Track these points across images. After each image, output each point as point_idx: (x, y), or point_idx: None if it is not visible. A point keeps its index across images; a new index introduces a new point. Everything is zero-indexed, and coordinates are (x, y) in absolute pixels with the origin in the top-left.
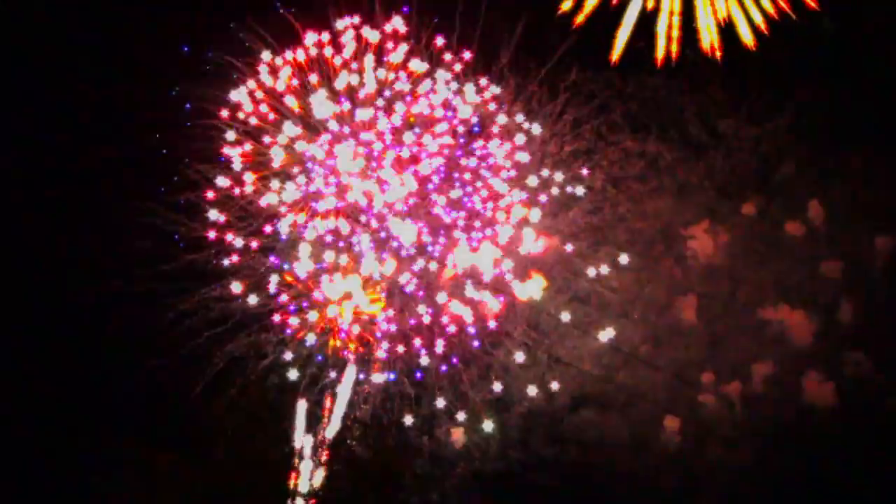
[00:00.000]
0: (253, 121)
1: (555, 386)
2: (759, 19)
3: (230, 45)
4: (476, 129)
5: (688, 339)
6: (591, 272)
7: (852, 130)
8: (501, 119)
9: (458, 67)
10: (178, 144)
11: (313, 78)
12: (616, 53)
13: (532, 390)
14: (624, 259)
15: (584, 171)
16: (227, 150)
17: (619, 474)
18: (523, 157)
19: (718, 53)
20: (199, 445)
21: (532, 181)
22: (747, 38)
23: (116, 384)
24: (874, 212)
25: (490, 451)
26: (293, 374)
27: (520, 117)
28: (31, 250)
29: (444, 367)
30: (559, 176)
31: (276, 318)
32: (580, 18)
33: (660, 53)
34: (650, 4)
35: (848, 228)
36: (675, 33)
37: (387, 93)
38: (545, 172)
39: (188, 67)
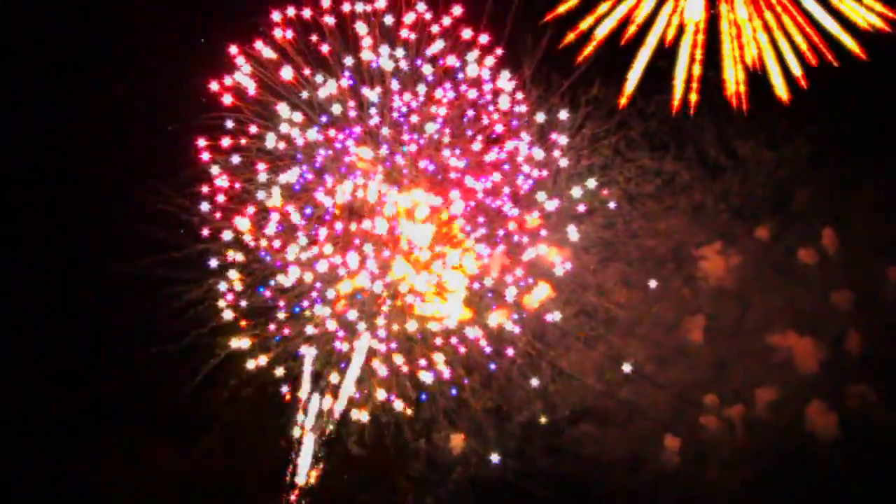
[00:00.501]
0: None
1: (556, 397)
2: (797, 71)
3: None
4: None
5: (693, 359)
6: (599, 286)
7: (870, 161)
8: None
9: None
10: (191, 132)
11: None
12: (625, 97)
13: (533, 400)
14: (634, 275)
15: (595, 186)
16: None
17: (616, 490)
18: (540, 154)
19: (745, 105)
20: (195, 435)
21: (546, 192)
22: (781, 90)
23: (116, 371)
24: (888, 243)
25: (487, 459)
26: (295, 370)
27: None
28: (36, 233)
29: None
30: (576, 190)
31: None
32: (588, 50)
33: (676, 100)
34: (669, 36)
35: (861, 259)
36: (695, 84)
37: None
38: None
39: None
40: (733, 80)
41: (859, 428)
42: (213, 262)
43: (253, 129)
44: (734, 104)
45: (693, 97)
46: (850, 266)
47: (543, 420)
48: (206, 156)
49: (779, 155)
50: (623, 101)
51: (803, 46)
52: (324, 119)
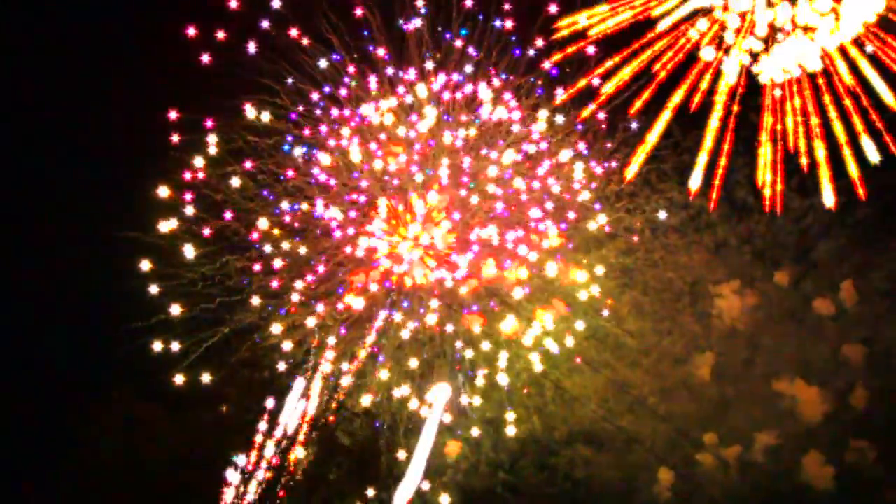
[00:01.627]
0: None
1: (556, 417)
2: (855, 173)
3: None
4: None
5: (697, 395)
6: (613, 312)
7: None
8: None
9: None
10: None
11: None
12: (631, 174)
13: (532, 417)
14: (648, 305)
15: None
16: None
17: None
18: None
19: (779, 209)
20: (184, 404)
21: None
22: (829, 199)
23: (115, 335)
24: None
25: (479, 468)
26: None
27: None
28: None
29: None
30: (601, 217)
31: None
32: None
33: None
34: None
35: (877, 317)
36: (718, 181)
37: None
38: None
39: None
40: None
41: (854, 484)
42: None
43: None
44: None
45: (714, 195)
46: (865, 322)
47: (540, 436)
48: None
49: (808, 203)
50: (628, 177)
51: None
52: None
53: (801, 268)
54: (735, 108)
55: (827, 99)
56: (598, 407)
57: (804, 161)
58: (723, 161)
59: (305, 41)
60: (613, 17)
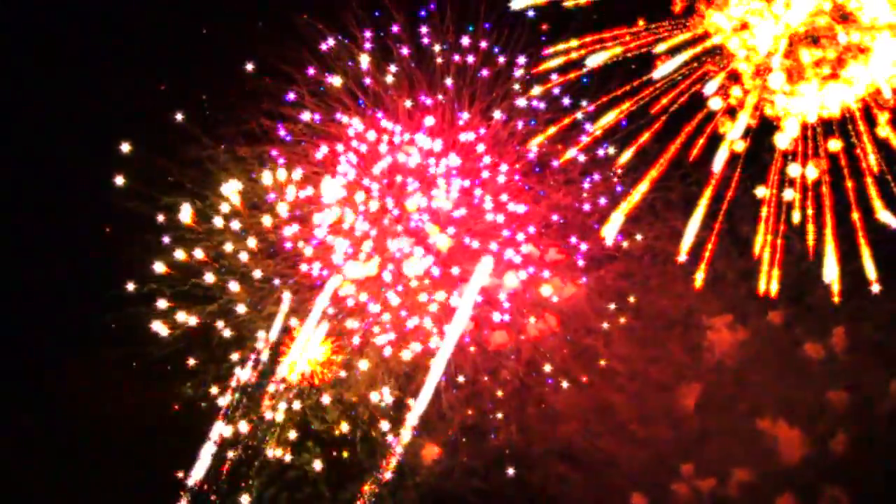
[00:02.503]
0: None
1: (535, 431)
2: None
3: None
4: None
5: (679, 425)
6: (605, 334)
7: None
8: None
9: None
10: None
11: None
12: (609, 238)
13: (512, 427)
14: (640, 330)
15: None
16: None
17: None
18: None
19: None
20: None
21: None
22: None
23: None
24: None
25: (454, 473)
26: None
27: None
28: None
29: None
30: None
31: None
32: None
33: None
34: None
35: (866, 366)
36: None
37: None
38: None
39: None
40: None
41: None
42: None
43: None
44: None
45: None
46: (853, 370)
47: (518, 449)
48: None
49: (808, 246)
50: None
51: None
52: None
53: (796, 310)
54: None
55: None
56: (578, 426)
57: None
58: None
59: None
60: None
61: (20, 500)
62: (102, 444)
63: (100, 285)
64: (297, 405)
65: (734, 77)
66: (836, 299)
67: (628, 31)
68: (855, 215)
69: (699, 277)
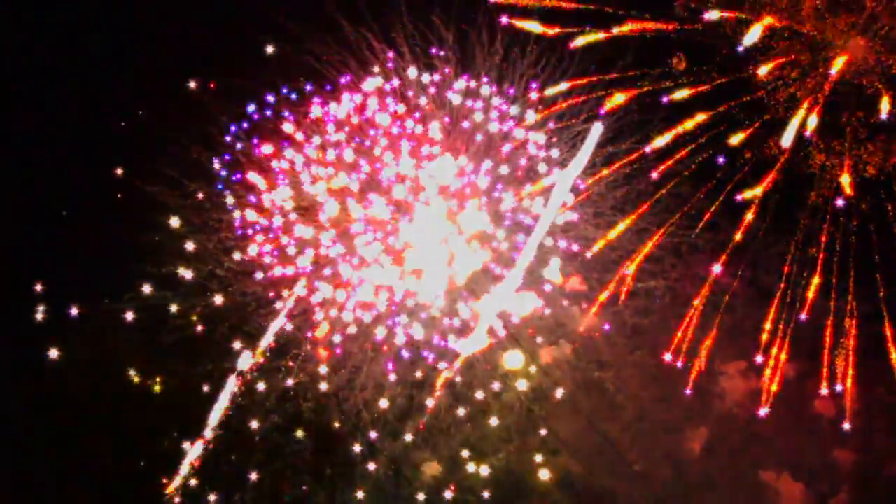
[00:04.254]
0: None
1: (536, 457)
2: None
3: None
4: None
5: (682, 468)
6: (617, 372)
7: None
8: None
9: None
10: None
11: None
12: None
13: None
14: (653, 369)
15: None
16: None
17: None
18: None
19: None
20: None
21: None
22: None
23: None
24: None
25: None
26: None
27: None
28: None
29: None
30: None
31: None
32: None
33: None
34: None
35: (875, 429)
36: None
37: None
38: None
39: None
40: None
41: None
42: None
43: None
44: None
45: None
46: (864, 430)
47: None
48: None
49: (831, 304)
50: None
51: None
52: None
53: (811, 365)
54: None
55: None
56: (582, 459)
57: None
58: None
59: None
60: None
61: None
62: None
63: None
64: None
65: (768, 127)
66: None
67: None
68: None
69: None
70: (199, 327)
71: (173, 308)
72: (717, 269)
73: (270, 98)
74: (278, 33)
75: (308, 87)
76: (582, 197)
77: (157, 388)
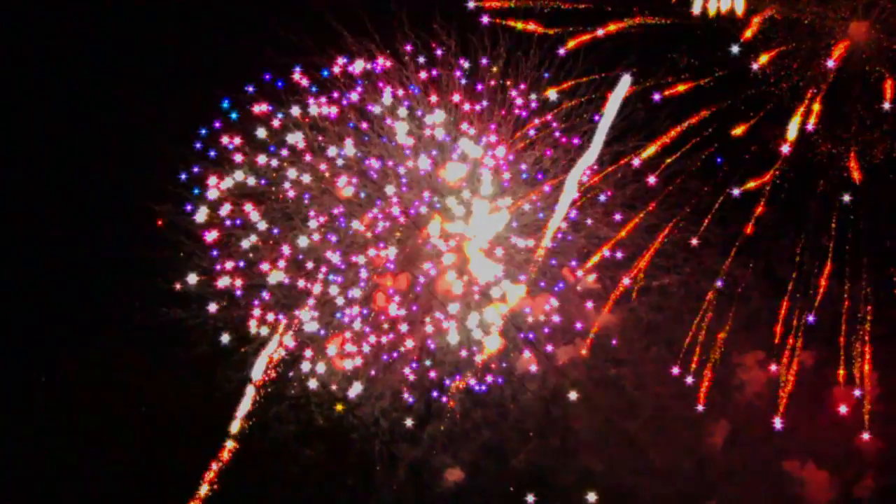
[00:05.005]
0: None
1: (557, 458)
2: None
3: None
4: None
5: (704, 462)
6: (635, 368)
7: None
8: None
9: None
10: None
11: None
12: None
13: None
14: (672, 365)
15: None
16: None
17: None
18: None
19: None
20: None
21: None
22: None
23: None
24: None
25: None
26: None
27: None
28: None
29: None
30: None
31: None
32: None
33: None
34: None
35: None
36: None
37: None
38: None
39: None
40: None
41: None
42: None
43: None
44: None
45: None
46: (885, 415)
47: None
48: None
49: (845, 289)
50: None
51: None
52: None
53: (829, 352)
54: None
55: None
56: (603, 458)
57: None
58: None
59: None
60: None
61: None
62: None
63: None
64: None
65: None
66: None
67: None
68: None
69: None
70: (213, 339)
71: (186, 321)
72: (728, 262)
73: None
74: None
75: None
76: (592, 193)
77: (170, 403)
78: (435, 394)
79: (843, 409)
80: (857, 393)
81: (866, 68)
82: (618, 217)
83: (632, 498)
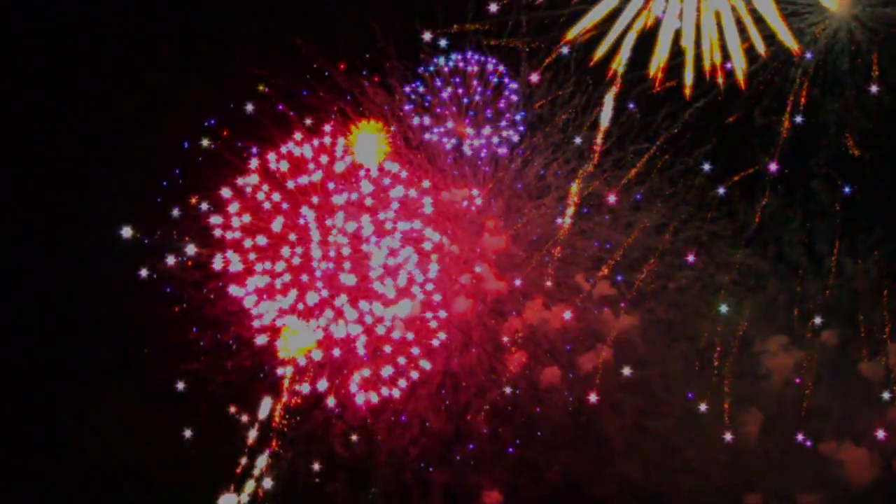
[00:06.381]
0: None
1: (592, 468)
2: None
3: None
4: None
5: (741, 454)
6: (662, 368)
7: None
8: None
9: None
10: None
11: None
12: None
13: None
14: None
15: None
16: None
17: None
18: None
19: None
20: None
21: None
22: None
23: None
24: None
25: None
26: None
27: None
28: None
29: None
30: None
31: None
32: None
33: None
34: None
35: None
36: None
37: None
38: None
39: None
40: None
41: None
42: None
43: None
44: None
45: None
46: None
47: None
48: None
49: (865, 265)
50: None
51: None
52: None
53: (851, 329)
54: None
55: None
56: (637, 462)
57: None
58: None
59: None
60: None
61: None
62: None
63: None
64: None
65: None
66: None
67: None
68: None
69: None
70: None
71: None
72: (741, 251)
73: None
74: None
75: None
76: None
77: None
78: (463, 416)
79: (871, 384)
80: (882, 365)
81: (852, 48)
82: (625, 220)
83: (673, 499)
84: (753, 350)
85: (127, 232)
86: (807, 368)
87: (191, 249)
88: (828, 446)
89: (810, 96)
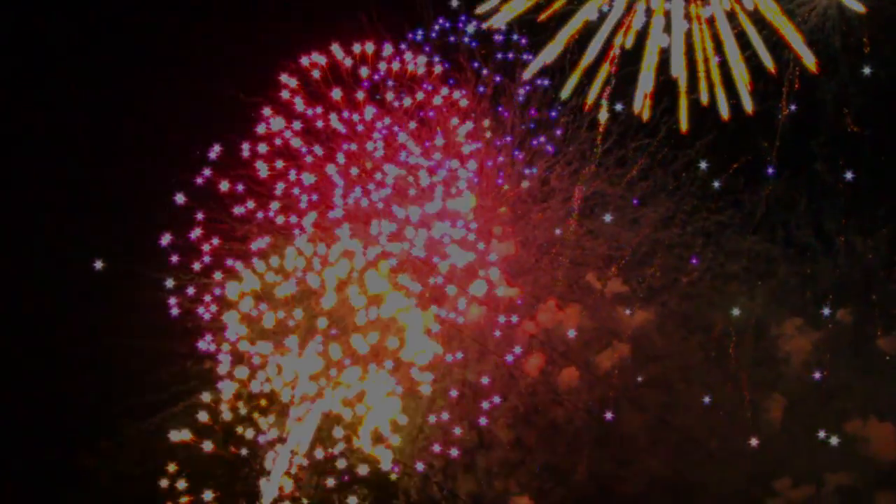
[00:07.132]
0: None
1: (617, 467)
2: None
3: None
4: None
5: (767, 441)
6: (682, 362)
7: None
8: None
9: None
10: None
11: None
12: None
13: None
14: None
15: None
16: None
17: None
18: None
19: None
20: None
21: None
22: None
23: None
24: None
25: None
26: None
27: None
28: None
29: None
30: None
31: None
32: None
33: None
34: None
35: None
36: None
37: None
38: None
39: None
40: None
41: None
42: None
43: None
44: None
45: None
46: None
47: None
48: None
49: (873, 241)
50: None
51: None
52: None
53: (864, 306)
54: None
55: None
56: (663, 457)
57: None
58: None
59: None
60: None
61: None
62: None
63: None
64: None
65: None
66: None
67: None
68: None
69: None
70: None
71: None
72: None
73: None
74: None
75: None
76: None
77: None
78: (483, 422)
79: (889, 358)
80: None
81: (843, 28)
82: (631, 217)
83: (702, 491)
84: (770, 334)
85: None
86: (824, 349)
87: None
88: (853, 425)
89: (805, 77)
